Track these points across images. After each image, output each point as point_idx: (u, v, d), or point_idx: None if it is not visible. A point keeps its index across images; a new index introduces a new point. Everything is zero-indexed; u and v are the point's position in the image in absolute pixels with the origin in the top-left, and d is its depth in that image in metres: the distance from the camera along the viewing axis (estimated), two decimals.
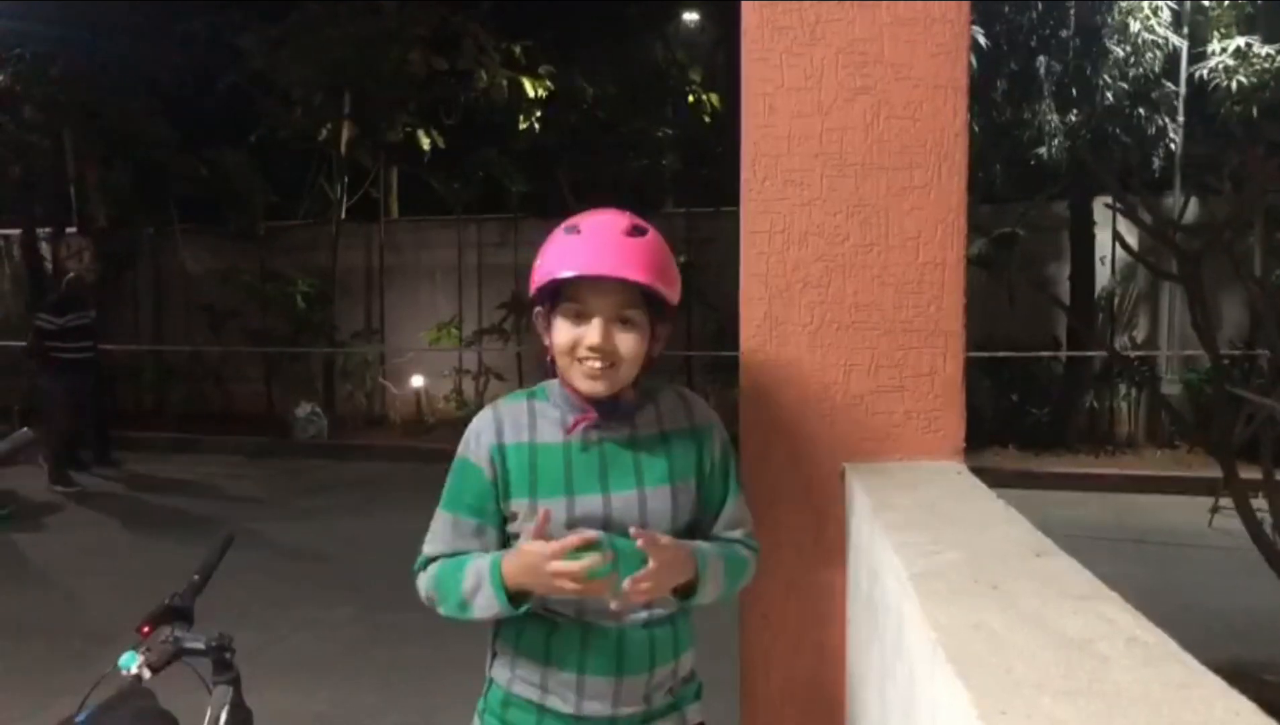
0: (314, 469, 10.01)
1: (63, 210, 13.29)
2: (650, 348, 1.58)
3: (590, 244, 1.52)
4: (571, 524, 1.55)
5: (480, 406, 9.11)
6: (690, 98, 11.94)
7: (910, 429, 1.95)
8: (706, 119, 11.81)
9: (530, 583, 1.50)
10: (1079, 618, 1.06)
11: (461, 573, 1.58)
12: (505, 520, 1.62)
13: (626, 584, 1.45)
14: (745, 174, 1.99)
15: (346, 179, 12.39)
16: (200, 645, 1.91)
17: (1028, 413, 9.82)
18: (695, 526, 1.66)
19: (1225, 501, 5.73)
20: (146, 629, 1.90)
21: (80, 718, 1.74)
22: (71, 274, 9.32)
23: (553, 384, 1.65)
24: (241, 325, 12.39)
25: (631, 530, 1.47)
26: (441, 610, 1.64)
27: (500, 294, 12.02)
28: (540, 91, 11.61)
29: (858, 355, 1.96)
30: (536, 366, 11.72)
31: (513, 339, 11.94)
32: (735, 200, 2.00)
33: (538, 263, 1.57)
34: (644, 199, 11.31)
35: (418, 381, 11.99)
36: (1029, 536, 1.42)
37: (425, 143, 12.05)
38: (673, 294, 1.56)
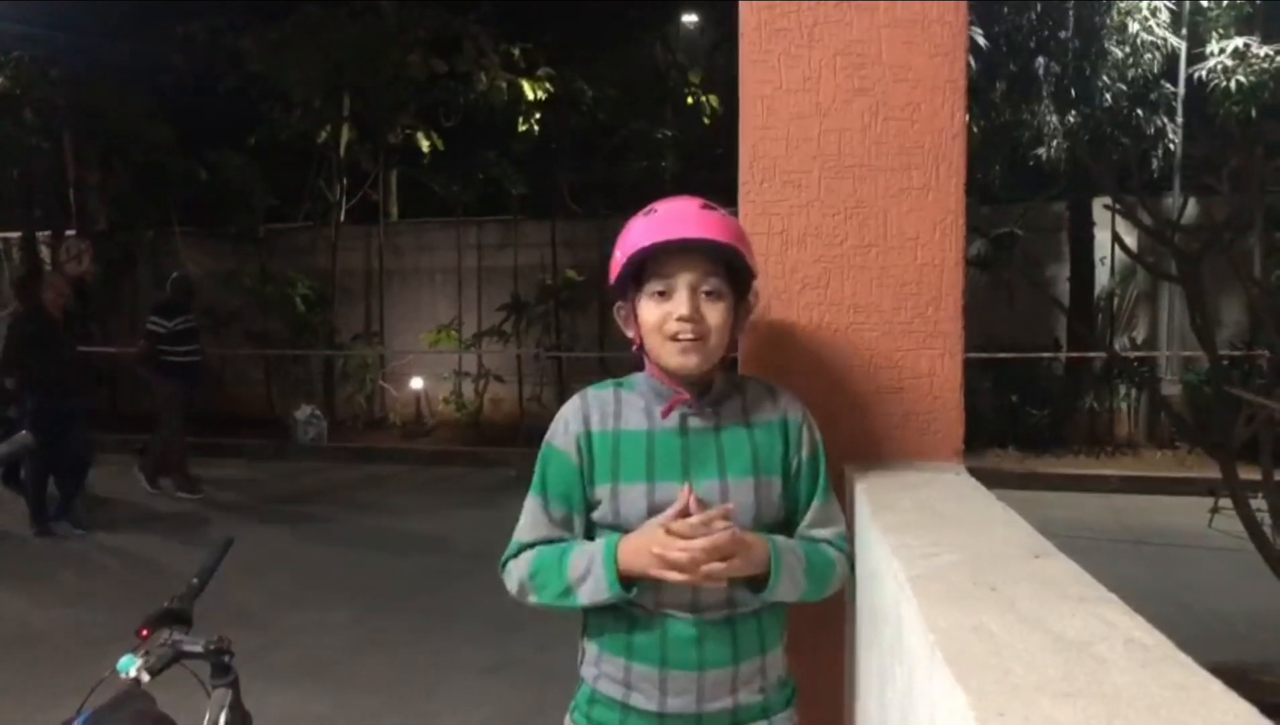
0: (314, 471, 10.02)
1: (62, 213, 13.31)
2: (734, 326, 1.60)
3: (667, 217, 1.56)
4: (652, 511, 1.55)
5: (480, 409, 9.06)
6: (689, 100, 11.96)
7: (909, 430, 1.95)
8: (705, 121, 11.82)
9: (643, 563, 1.49)
10: (1078, 619, 1.06)
11: (567, 559, 1.57)
12: (590, 508, 1.62)
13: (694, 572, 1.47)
14: (743, 175, 1.99)
15: (346, 181, 12.40)
16: (199, 648, 1.91)
17: (1027, 414, 9.83)
18: (784, 525, 1.65)
19: (1225, 502, 5.74)
20: (145, 632, 1.90)
21: (79, 721, 1.74)
22: (175, 274, 9.04)
23: (639, 377, 1.66)
24: (241, 328, 12.40)
25: (691, 501, 1.50)
26: (535, 599, 1.61)
27: (500, 296, 12.03)
28: (540, 94, 11.62)
29: (856, 356, 1.96)
30: (536, 369, 11.79)
31: (512, 341, 11.95)
32: (734, 202, 2.01)
33: (617, 250, 1.59)
34: (643, 201, 11.28)
35: (417, 384, 12.00)
36: (1028, 538, 1.42)
37: (425, 145, 12.08)
38: (752, 260, 1.60)
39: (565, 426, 1.63)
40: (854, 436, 1.95)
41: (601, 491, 1.59)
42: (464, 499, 8.67)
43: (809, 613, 1.94)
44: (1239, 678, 0.96)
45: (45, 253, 13.29)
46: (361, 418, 12.14)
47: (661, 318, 1.55)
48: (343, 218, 12.45)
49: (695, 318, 1.53)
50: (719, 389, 1.63)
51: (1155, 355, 10.27)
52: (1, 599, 5.77)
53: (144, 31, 11.60)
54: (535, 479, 1.65)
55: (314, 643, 5.05)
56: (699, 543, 1.45)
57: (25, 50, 11.94)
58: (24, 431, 2.28)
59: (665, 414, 1.59)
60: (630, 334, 1.63)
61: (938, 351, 1.95)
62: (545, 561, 1.59)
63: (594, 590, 1.53)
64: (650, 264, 1.55)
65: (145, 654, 1.85)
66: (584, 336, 11.93)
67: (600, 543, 1.56)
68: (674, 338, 1.54)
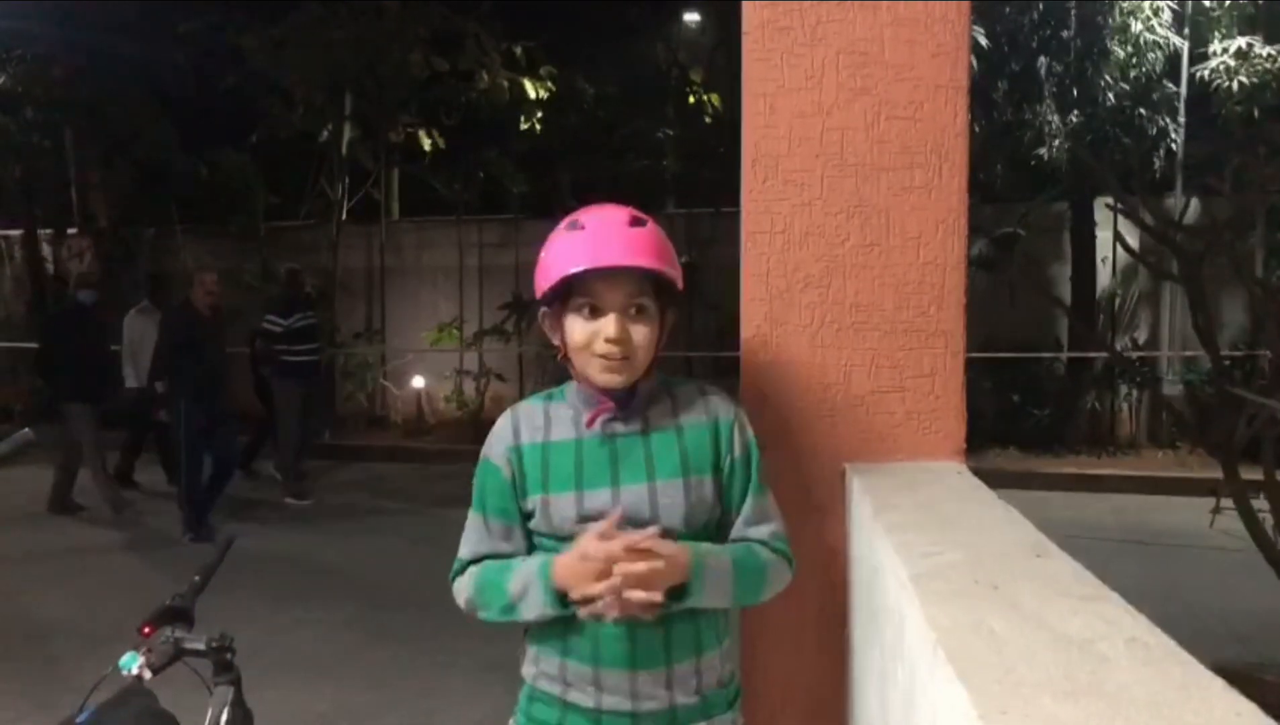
0: (314, 469, 10.01)
1: (64, 211, 13.32)
2: (660, 337, 1.60)
3: (596, 237, 1.54)
4: (582, 518, 1.56)
5: (482, 407, 8.93)
6: (691, 98, 11.97)
7: (911, 429, 1.95)
8: (707, 120, 11.82)
9: (574, 583, 1.51)
10: (1079, 618, 1.06)
11: (508, 576, 1.60)
12: (526, 518, 1.64)
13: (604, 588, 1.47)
14: (746, 174, 1.99)
15: (347, 179, 12.40)
16: (201, 646, 1.91)
17: (1029, 414, 9.82)
18: (719, 524, 1.65)
19: (1226, 502, 5.72)
20: (147, 630, 1.90)
21: (81, 718, 1.74)
22: (288, 266, 8.72)
23: (569, 385, 1.67)
24: (243, 325, 12.39)
25: (611, 522, 1.50)
26: (483, 615, 1.65)
27: (501, 295, 12.03)
28: (541, 92, 11.63)
29: (858, 356, 1.96)
30: (537, 367, 11.78)
31: (514, 340, 11.95)
32: (736, 201, 2.00)
33: (542, 263, 1.58)
34: (644, 200, 11.29)
35: (418, 382, 12.00)
36: (1029, 537, 1.42)
37: (426, 143, 12.07)
38: (679, 279, 1.59)
39: (497, 441, 1.66)
40: (855, 435, 1.95)
41: (533, 502, 1.61)
42: (465, 497, 8.58)
43: (811, 612, 1.94)
44: (1241, 677, 0.96)
45: (47, 251, 13.30)
46: (362, 416, 12.13)
47: (589, 337, 1.55)
48: (344, 216, 12.44)
49: (623, 339, 1.54)
50: (645, 393, 1.63)
51: (1157, 355, 10.26)
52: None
53: (145, 29, 11.59)
54: (475, 494, 1.68)
55: (315, 640, 5.05)
56: (621, 568, 1.45)
57: (27, 48, 11.94)
58: (25, 429, 2.27)
59: (589, 424, 1.60)
60: (555, 341, 1.62)
61: (939, 351, 1.95)
62: (488, 579, 1.62)
63: (534, 607, 1.56)
64: (577, 282, 1.54)
65: (147, 651, 1.85)
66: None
67: (536, 562, 1.58)
68: (601, 356, 1.55)
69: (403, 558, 6.58)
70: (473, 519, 1.67)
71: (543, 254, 1.59)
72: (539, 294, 1.59)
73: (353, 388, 12.29)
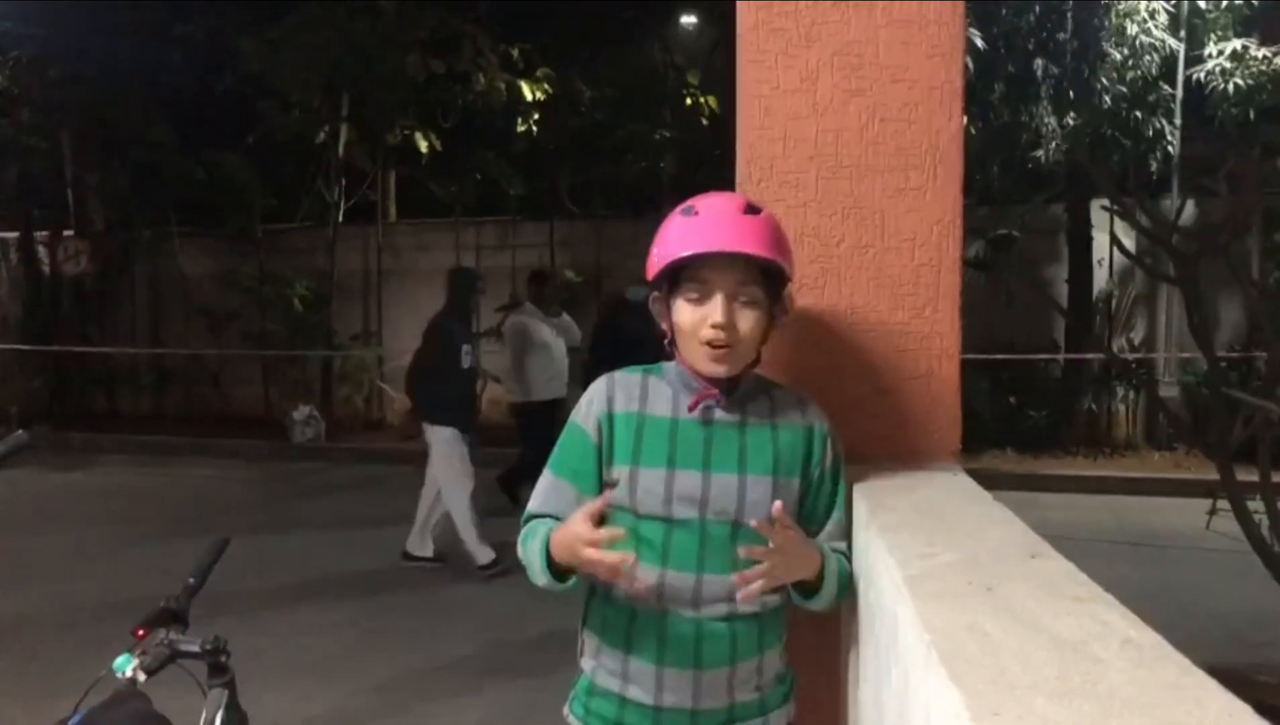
0: (311, 472, 10.00)
1: (60, 213, 13.30)
2: (767, 330, 1.60)
3: (709, 223, 1.54)
4: (669, 498, 1.56)
5: (478, 410, 8.76)
6: (688, 101, 11.97)
7: (906, 431, 1.95)
8: (704, 122, 11.82)
9: (569, 560, 1.51)
10: (1074, 619, 1.06)
11: (532, 540, 1.61)
12: (604, 486, 1.62)
13: (742, 552, 1.48)
14: (740, 176, 1.99)
15: (344, 181, 12.39)
16: (195, 648, 1.90)
17: (1025, 415, 9.82)
18: None
19: (1222, 504, 5.74)
20: (141, 632, 1.89)
21: (74, 720, 1.73)
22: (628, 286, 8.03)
23: (668, 365, 1.66)
24: (239, 328, 12.39)
25: (754, 524, 1.50)
26: (529, 576, 1.65)
27: (498, 297, 12.01)
28: (538, 94, 11.63)
29: (853, 357, 1.96)
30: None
31: None
32: None
33: (655, 246, 1.58)
34: (641, 202, 11.32)
35: None
36: (1024, 538, 1.42)
37: (423, 145, 12.06)
38: (790, 268, 1.59)
39: (589, 405, 1.65)
40: (851, 437, 1.94)
41: (620, 472, 1.60)
42: None
43: (805, 614, 1.94)
44: (1236, 678, 0.96)
45: (43, 252, 13.29)
46: (359, 418, 12.12)
47: (696, 322, 1.55)
48: (341, 218, 12.43)
49: (729, 326, 1.53)
50: (746, 388, 1.63)
51: (1153, 357, 10.28)
52: None
53: (142, 31, 11.58)
54: (555, 452, 1.68)
55: (311, 643, 5.04)
56: (613, 557, 1.44)
57: (24, 50, 11.92)
58: (20, 432, 2.26)
59: (691, 408, 1.60)
60: (664, 326, 1.64)
61: (935, 352, 1.95)
62: (527, 537, 1.63)
63: (538, 577, 1.58)
64: (688, 266, 1.55)
65: (141, 653, 1.84)
66: (582, 337, 11.91)
67: (545, 528, 1.58)
68: (706, 344, 1.55)
69: (399, 561, 6.56)
70: (546, 476, 1.67)
71: (656, 238, 1.59)
72: (650, 277, 1.60)
73: (349, 390, 12.28)
